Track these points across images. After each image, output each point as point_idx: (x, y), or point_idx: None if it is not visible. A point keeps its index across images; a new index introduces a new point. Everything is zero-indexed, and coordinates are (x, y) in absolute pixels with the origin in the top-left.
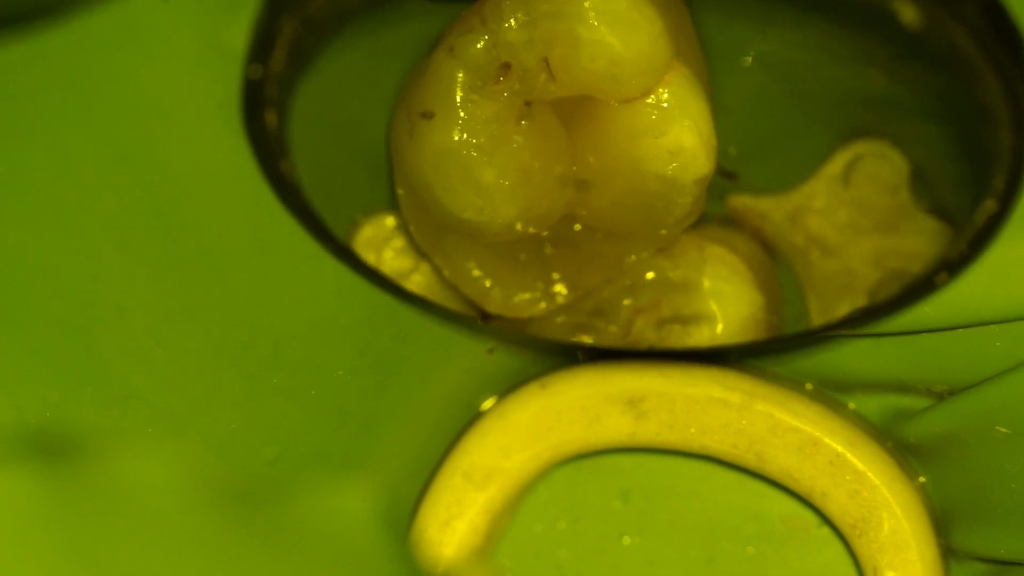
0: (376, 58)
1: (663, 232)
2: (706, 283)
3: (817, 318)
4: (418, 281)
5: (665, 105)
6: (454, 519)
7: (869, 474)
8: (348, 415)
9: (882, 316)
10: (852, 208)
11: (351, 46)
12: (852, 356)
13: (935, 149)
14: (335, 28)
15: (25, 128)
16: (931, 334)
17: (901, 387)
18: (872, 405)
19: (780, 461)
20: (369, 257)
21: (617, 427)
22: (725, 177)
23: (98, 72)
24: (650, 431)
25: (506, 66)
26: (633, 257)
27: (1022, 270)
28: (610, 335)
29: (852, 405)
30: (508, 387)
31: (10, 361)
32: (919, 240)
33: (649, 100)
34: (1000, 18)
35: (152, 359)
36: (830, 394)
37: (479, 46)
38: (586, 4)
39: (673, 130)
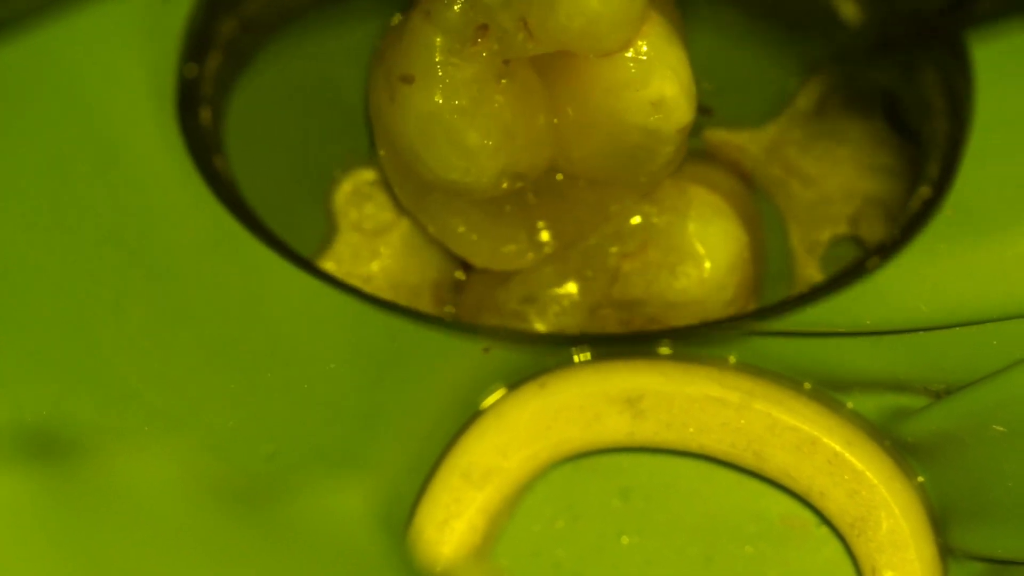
0: (324, 56)
1: (645, 179)
2: (691, 225)
3: (798, 245)
4: (400, 233)
5: (644, 58)
6: (452, 518)
7: (867, 473)
8: (344, 413)
9: (815, 300)
10: (828, 138)
11: (292, 46)
12: (849, 355)
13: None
14: (275, 28)
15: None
16: (928, 332)
17: (898, 386)
18: (870, 404)
19: (778, 460)
20: (351, 213)
21: (615, 426)
22: (701, 113)
23: (64, 78)
24: (648, 430)
25: (483, 27)
26: (617, 205)
27: (1017, 270)
28: (595, 283)
29: (850, 404)
30: (506, 386)
31: (6, 360)
32: (896, 163)
33: (628, 53)
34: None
35: (148, 357)
36: (828, 393)
37: (456, 9)
38: None
39: (654, 82)
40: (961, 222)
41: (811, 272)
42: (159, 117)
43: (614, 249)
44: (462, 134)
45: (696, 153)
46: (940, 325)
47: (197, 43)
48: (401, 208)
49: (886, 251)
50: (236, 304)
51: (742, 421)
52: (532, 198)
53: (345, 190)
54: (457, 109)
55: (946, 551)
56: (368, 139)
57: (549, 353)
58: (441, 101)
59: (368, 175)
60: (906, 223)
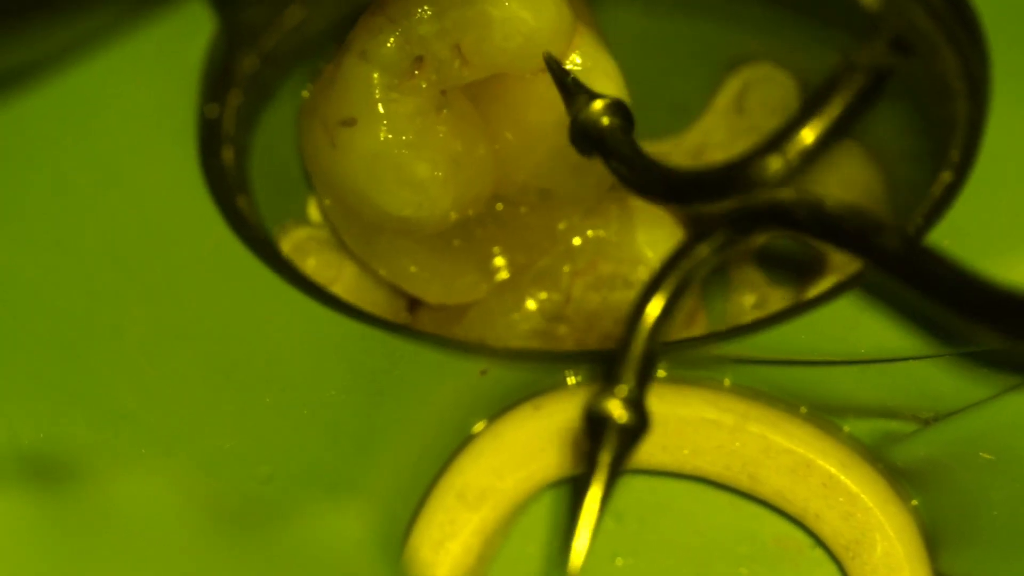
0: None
1: (588, 193)
2: (639, 235)
3: (732, 313)
4: (345, 285)
5: (580, 68)
6: (447, 540)
7: (862, 496)
8: (341, 434)
9: (840, 295)
10: (750, 135)
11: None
12: (841, 381)
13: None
14: (295, 62)
15: (19, 162)
16: (918, 360)
17: (888, 412)
18: (865, 428)
19: (773, 482)
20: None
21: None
22: None
23: (85, 115)
24: (643, 452)
25: (419, 59)
26: (563, 224)
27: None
28: (550, 305)
29: (847, 428)
30: (502, 408)
31: (3, 382)
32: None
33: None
34: None
35: (144, 379)
36: (824, 416)
37: (390, 44)
38: None
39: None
40: (953, 252)
41: (749, 275)
42: (173, 147)
43: (566, 268)
44: (411, 168)
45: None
46: (931, 354)
47: (217, 81)
48: (343, 255)
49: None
50: (234, 328)
51: (737, 443)
52: (479, 230)
53: (284, 249)
54: (404, 144)
55: (939, 575)
56: (303, 193)
57: (544, 375)
58: (386, 138)
59: (303, 232)
60: (931, 207)
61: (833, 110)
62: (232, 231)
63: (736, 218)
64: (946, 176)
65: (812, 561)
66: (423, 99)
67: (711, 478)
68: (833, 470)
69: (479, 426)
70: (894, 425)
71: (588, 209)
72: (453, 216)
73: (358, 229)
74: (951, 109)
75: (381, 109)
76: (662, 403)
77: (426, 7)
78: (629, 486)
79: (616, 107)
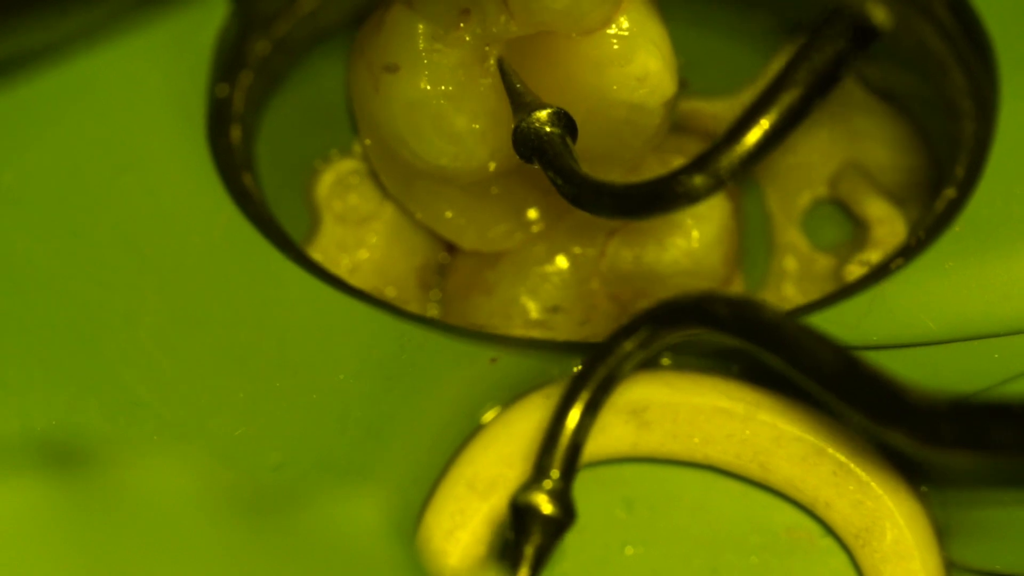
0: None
1: (629, 155)
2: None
3: (778, 212)
4: (385, 220)
5: (626, 33)
6: (458, 529)
7: (872, 484)
8: (351, 422)
9: (844, 298)
10: None
11: (325, 65)
12: None
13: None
14: (307, 48)
15: (29, 145)
16: (931, 347)
17: None
18: None
19: (784, 471)
20: (334, 204)
21: (620, 437)
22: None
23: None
24: (653, 441)
25: (465, 11)
26: None
27: (1018, 287)
28: (584, 259)
29: None
30: (512, 397)
31: (17, 370)
32: (873, 129)
33: (610, 30)
34: (968, 16)
35: (157, 367)
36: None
37: None
38: None
39: (638, 56)
40: (969, 240)
41: (792, 237)
42: (187, 134)
43: (601, 222)
44: (450, 119)
45: (671, 126)
46: (945, 340)
47: (229, 63)
48: (384, 196)
49: (910, 252)
50: (245, 315)
51: (747, 432)
52: (518, 180)
53: (327, 181)
54: (443, 95)
55: (950, 565)
56: (349, 130)
57: (554, 364)
58: (427, 88)
59: (349, 164)
60: (931, 224)
61: (772, 116)
62: (241, 212)
63: (658, 315)
64: (950, 192)
65: (822, 549)
66: (466, 51)
67: (721, 467)
68: (843, 458)
69: (489, 415)
70: None
71: (630, 168)
72: (491, 168)
73: (397, 172)
74: (958, 128)
75: (424, 59)
76: (673, 391)
77: None
78: (639, 475)
79: (559, 116)
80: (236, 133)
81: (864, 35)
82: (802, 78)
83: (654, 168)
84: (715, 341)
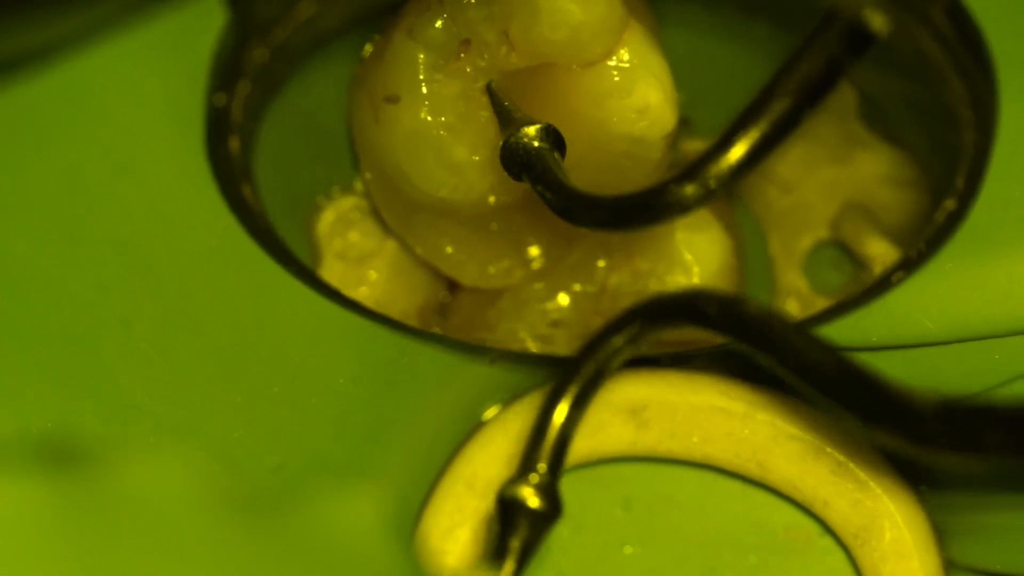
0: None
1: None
2: (678, 233)
3: (778, 252)
4: (386, 258)
5: (627, 65)
6: (456, 528)
7: (871, 483)
8: (349, 423)
9: (846, 312)
10: (804, 141)
11: (323, 73)
12: None
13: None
14: (306, 55)
15: (25, 149)
16: (930, 347)
17: None
18: None
19: (782, 470)
20: (335, 241)
21: (619, 436)
22: (679, 124)
23: (88, 101)
24: (652, 440)
25: (466, 42)
26: None
27: (1019, 287)
28: (584, 297)
29: None
30: (511, 397)
31: (13, 372)
32: (874, 167)
33: (610, 62)
34: (966, 23)
35: (153, 369)
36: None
37: (438, 25)
38: None
39: (638, 89)
40: (968, 242)
41: (793, 280)
42: (184, 141)
43: (601, 262)
44: (450, 150)
45: (673, 166)
46: (944, 341)
47: (226, 72)
48: (386, 232)
49: (911, 265)
50: (241, 318)
51: (746, 431)
52: (518, 215)
53: (328, 218)
54: (444, 125)
55: (949, 564)
56: (350, 164)
57: (553, 364)
58: (428, 118)
59: (350, 201)
60: (932, 235)
61: (763, 126)
62: (238, 221)
63: (647, 312)
64: (950, 203)
65: (821, 549)
66: (467, 83)
67: (720, 466)
68: (842, 457)
69: (488, 415)
70: None
71: None
72: (491, 200)
73: (398, 205)
74: (957, 137)
75: (424, 89)
76: (671, 390)
77: None
78: (638, 474)
79: (547, 132)
80: (235, 143)
81: (859, 41)
82: (793, 87)
83: None
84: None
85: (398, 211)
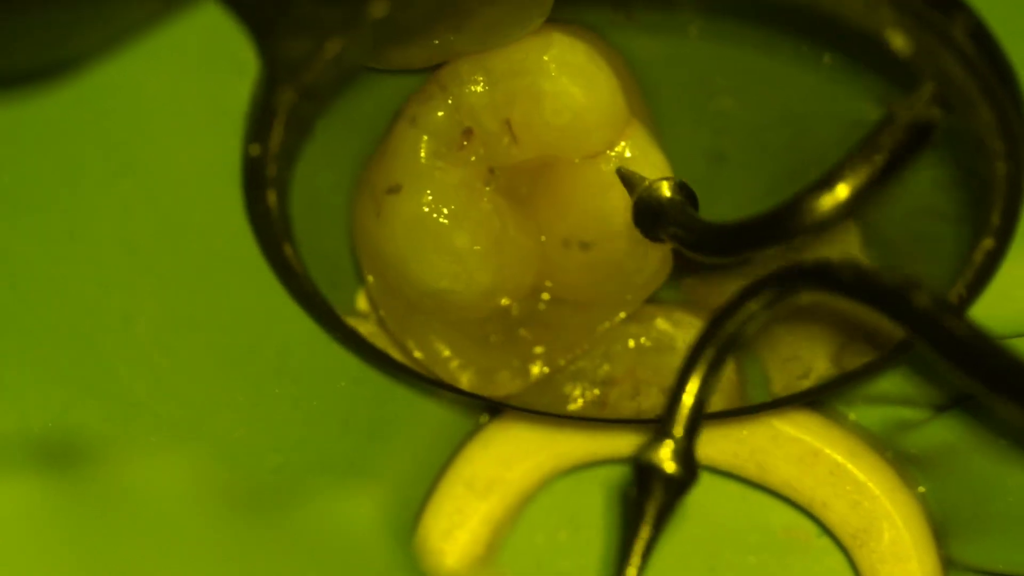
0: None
1: (630, 296)
2: (679, 344)
3: (777, 383)
4: None
5: (628, 156)
6: (456, 529)
7: (870, 484)
8: (351, 424)
9: (894, 363)
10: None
11: (351, 111)
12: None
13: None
14: (335, 93)
15: (54, 167)
16: None
17: (904, 400)
18: (873, 416)
19: (781, 471)
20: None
21: (619, 438)
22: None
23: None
24: None
25: (469, 131)
26: (605, 325)
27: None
28: (586, 406)
29: (852, 416)
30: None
31: (14, 370)
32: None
33: (612, 153)
34: (989, 44)
35: (156, 368)
36: (831, 404)
37: (440, 113)
38: (545, 58)
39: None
40: (1011, 282)
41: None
42: (197, 139)
43: (603, 370)
44: (451, 237)
45: (674, 303)
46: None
47: (259, 118)
48: (387, 343)
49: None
50: (246, 317)
51: (745, 432)
52: (520, 330)
53: None
54: (446, 214)
55: (948, 563)
56: (353, 283)
57: None
58: (429, 206)
59: (351, 323)
60: (972, 279)
61: (876, 162)
62: (247, 224)
63: (783, 276)
64: (987, 243)
65: (820, 550)
66: (470, 172)
67: (719, 467)
68: (840, 459)
69: (484, 417)
70: (907, 413)
71: (630, 315)
72: (492, 301)
73: (398, 308)
74: (989, 171)
75: (426, 176)
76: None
77: (478, 76)
78: None
79: (681, 187)
80: (255, 148)
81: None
82: (896, 133)
83: (656, 315)
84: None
85: (398, 315)
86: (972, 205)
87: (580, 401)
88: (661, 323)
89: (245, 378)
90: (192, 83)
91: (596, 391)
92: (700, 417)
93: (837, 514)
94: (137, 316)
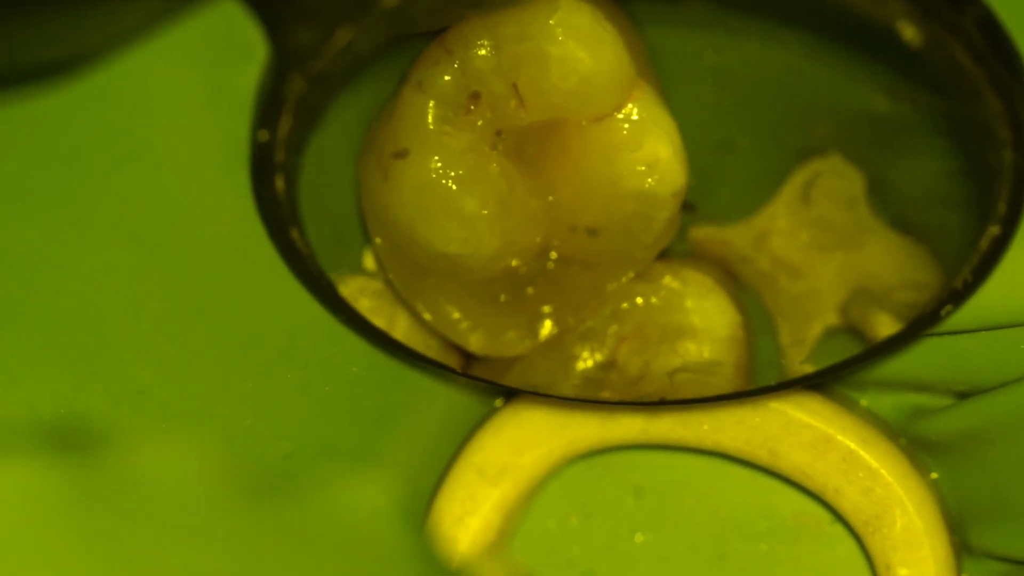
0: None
1: (639, 254)
2: (688, 302)
3: (787, 341)
4: (398, 334)
5: (636, 118)
6: (468, 515)
7: (882, 471)
8: (361, 410)
9: (889, 351)
10: (814, 227)
11: (359, 100)
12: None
13: (915, 166)
14: (342, 83)
15: (59, 156)
16: (955, 336)
17: (922, 386)
18: (886, 402)
19: (793, 458)
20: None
21: (630, 424)
22: (685, 209)
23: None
24: (663, 428)
25: (476, 95)
26: (613, 284)
27: None
28: (595, 366)
29: (864, 402)
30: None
31: (22, 357)
32: (883, 254)
33: (619, 115)
34: (998, 35)
35: (164, 354)
36: (842, 391)
37: (447, 77)
38: (551, 22)
39: (648, 142)
40: (1005, 312)
41: (804, 368)
42: (200, 128)
43: (613, 328)
44: (459, 202)
45: (681, 254)
46: (968, 329)
47: (268, 106)
48: (397, 305)
49: (959, 296)
50: (254, 305)
51: (757, 419)
52: (528, 288)
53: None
54: (454, 178)
55: (963, 549)
56: (360, 241)
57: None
58: (437, 171)
59: (357, 282)
60: (977, 264)
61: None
62: (254, 210)
63: None
64: (994, 229)
65: (832, 536)
66: (477, 136)
67: (731, 454)
68: (853, 445)
69: (499, 401)
70: (924, 399)
71: (639, 273)
72: (501, 263)
73: (406, 270)
74: (997, 158)
75: (434, 141)
76: None
77: (484, 40)
78: (648, 462)
79: None
80: (263, 134)
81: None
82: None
83: (665, 274)
84: None
85: (406, 276)
86: (979, 193)
87: (589, 361)
88: (669, 281)
89: (254, 364)
90: (200, 68)
91: (605, 351)
92: None
93: (849, 501)
94: (145, 303)
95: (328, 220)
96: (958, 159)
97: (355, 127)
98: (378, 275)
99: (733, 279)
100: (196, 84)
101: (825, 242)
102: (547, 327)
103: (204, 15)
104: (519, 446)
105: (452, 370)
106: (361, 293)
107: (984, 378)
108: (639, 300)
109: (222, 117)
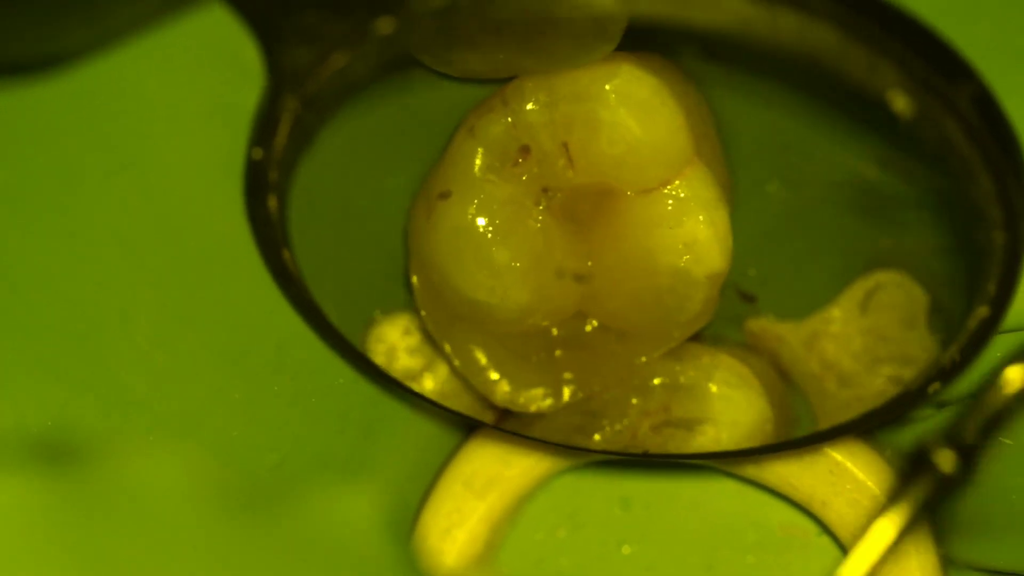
0: (382, 134)
1: (674, 332)
2: (713, 388)
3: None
4: (432, 380)
5: (682, 196)
6: (454, 527)
7: (869, 483)
8: (349, 422)
9: (876, 424)
10: (868, 336)
11: (354, 123)
12: None
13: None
14: (337, 105)
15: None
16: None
17: None
18: None
19: (780, 469)
20: (380, 357)
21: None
22: (744, 299)
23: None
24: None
25: (525, 148)
26: (644, 358)
27: None
28: (613, 435)
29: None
30: None
31: (11, 367)
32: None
33: (665, 191)
34: (993, 113)
35: (153, 366)
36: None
37: (499, 127)
38: (607, 87)
39: (687, 222)
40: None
41: None
42: (198, 143)
43: (635, 401)
44: (491, 250)
45: (734, 343)
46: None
47: (263, 124)
48: (432, 343)
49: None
50: (244, 314)
51: None
52: (560, 351)
53: (379, 334)
54: (490, 227)
55: (946, 562)
56: (404, 282)
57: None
58: (474, 217)
59: (403, 321)
60: (966, 343)
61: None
62: (245, 223)
63: None
64: (982, 311)
65: (819, 548)
66: (521, 189)
67: (718, 465)
68: (840, 457)
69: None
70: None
71: (672, 350)
72: (530, 319)
73: (440, 312)
74: (987, 239)
75: (477, 187)
76: None
77: (541, 96)
78: (636, 474)
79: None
80: (257, 152)
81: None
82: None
83: (699, 356)
84: None
85: (440, 318)
86: (968, 272)
87: (607, 430)
88: (701, 363)
89: (243, 376)
90: (195, 84)
91: (625, 421)
92: (999, 425)
93: (836, 512)
94: (135, 314)
95: (319, 266)
96: (947, 238)
97: (345, 153)
98: (415, 300)
99: (782, 376)
100: (192, 97)
101: (879, 353)
102: (571, 391)
103: (200, 28)
104: (506, 458)
105: (433, 402)
106: (405, 340)
107: (962, 387)
108: (667, 379)
109: (219, 132)
